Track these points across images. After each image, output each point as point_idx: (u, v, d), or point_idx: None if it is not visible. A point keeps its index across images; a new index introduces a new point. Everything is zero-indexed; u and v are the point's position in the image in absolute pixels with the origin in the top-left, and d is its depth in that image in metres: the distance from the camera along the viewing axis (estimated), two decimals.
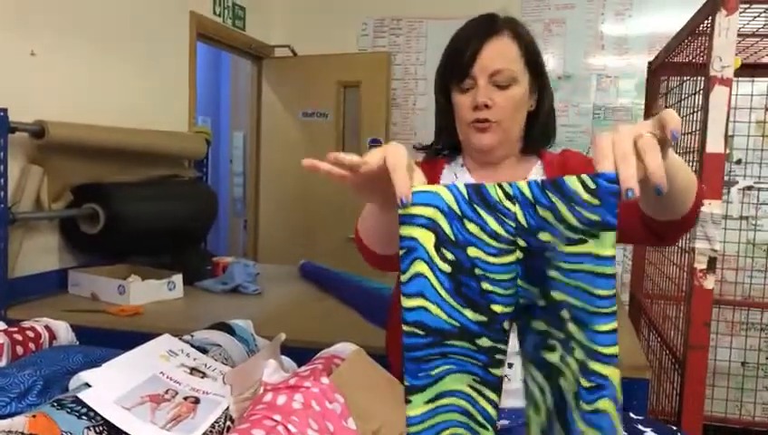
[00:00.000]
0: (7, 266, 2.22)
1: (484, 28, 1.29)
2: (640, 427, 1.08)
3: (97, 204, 2.56)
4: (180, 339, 1.25)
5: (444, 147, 1.44)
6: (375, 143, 4.01)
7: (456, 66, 1.30)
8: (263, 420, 0.93)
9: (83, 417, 0.89)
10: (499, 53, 1.27)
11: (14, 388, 1.03)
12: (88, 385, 0.98)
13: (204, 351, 1.23)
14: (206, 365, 1.18)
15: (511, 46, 1.28)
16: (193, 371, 1.14)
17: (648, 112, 2.97)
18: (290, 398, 0.99)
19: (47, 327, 1.50)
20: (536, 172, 1.38)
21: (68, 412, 0.89)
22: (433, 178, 1.37)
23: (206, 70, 4.96)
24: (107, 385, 0.99)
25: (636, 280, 2.99)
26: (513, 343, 0.75)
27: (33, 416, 0.85)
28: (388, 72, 4.02)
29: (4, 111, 2.15)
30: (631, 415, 1.13)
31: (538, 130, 1.36)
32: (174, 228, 2.96)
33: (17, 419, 0.84)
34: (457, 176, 1.40)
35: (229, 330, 1.36)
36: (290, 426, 0.91)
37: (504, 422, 1.17)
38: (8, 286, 2.23)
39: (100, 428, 0.89)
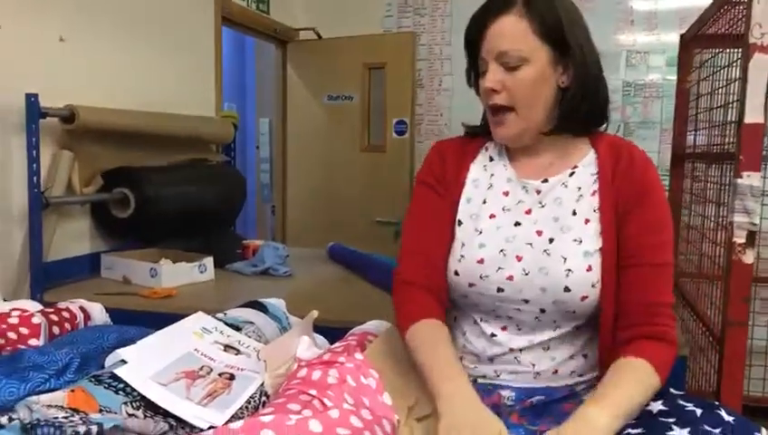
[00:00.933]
0: (42, 251, 2.25)
1: (492, 5, 1.19)
2: (681, 402, 1.06)
3: (127, 188, 2.58)
4: (213, 317, 1.25)
5: (482, 130, 1.33)
6: (400, 125, 3.98)
7: (467, 50, 1.26)
8: (298, 394, 0.93)
9: (120, 392, 0.90)
10: (503, 33, 1.17)
11: (53, 365, 1.04)
12: (124, 362, 0.99)
13: (237, 328, 1.24)
14: (239, 342, 1.18)
15: (518, 23, 1.16)
16: (227, 348, 1.14)
17: (680, 87, 2.90)
18: (325, 373, 0.98)
19: (82, 308, 1.51)
20: (587, 162, 1.22)
21: (105, 388, 0.90)
22: (463, 161, 1.29)
23: (231, 57, 4.96)
24: (143, 362, 0.99)
25: None
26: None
27: (72, 391, 0.86)
28: (413, 53, 3.98)
29: (35, 96, 2.17)
30: (672, 390, 1.11)
31: (570, 108, 1.19)
32: (203, 212, 2.97)
33: (57, 393, 0.84)
34: (493, 159, 1.29)
35: (262, 308, 1.36)
36: (325, 400, 0.90)
37: (541, 397, 1.16)
38: (43, 270, 2.26)
39: (137, 403, 0.89)
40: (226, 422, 0.90)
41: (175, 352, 1.06)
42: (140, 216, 2.58)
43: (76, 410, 0.81)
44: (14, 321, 1.31)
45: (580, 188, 1.20)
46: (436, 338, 1.13)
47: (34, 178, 2.19)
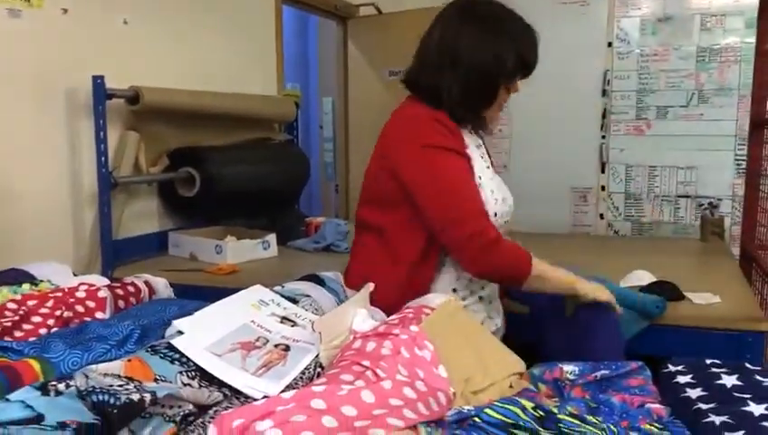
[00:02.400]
0: (111, 229, 2.32)
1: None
2: (758, 377, 1.00)
3: (192, 167, 2.63)
4: (271, 290, 1.25)
5: (466, 117, 1.56)
6: None
7: (528, 66, 1.56)
8: (351, 365, 0.91)
9: (176, 362, 0.90)
10: None
11: (115, 336, 1.06)
12: (181, 333, 1.00)
13: (294, 301, 1.23)
14: (296, 314, 1.17)
15: None
16: (283, 319, 1.14)
17: (760, 49, 2.74)
18: (379, 344, 0.96)
19: (147, 283, 1.54)
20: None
21: (161, 357, 0.90)
22: (458, 132, 1.53)
23: (294, 36, 4.98)
24: (199, 332, 1.00)
25: (747, 232, 2.80)
26: None
27: (129, 360, 0.87)
28: None
29: (101, 78, 2.23)
30: (748, 365, 1.05)
31: None
32: (267, 190, 3.01)
33: (114, 363, 0.86)
34: (471, 136, 1.61)
35: (319, 281, 1.36)
36: (378, 371, 0.89)
37: (605, 371, 1.11)
38: (113, 248, 2.33)
39: (193, 373, 0.90)
40: (280, 393, 0.90)
41: (231, 324, 1.06)
42: (205, 194, 2.63)
43: (131, 379, 0.82)
44: (81, 295, 1.34)
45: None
46: (546, 264, 1.49)
47: (102, 159, 2.25)
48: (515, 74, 1.54)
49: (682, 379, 1.02)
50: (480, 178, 1.52)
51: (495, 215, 1.50)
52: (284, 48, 3.52)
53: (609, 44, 3.83)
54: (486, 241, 1.41)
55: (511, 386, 1.08)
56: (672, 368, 1.07)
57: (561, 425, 0.85)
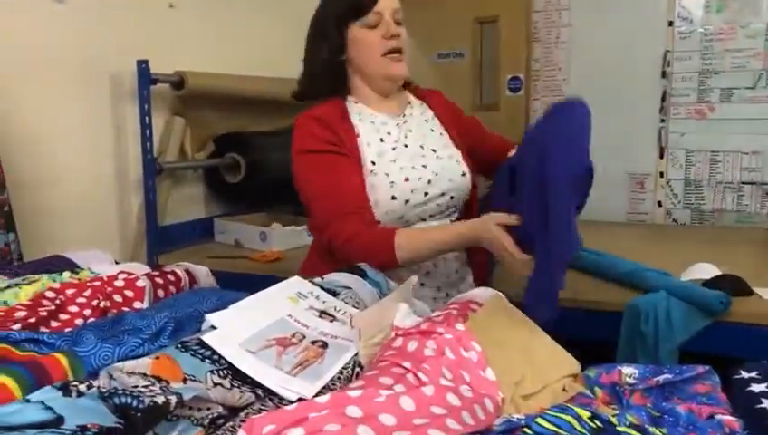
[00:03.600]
0: (157, 215, 2.31)
1: None
2: None
3: (238, 153, 2.61)
4: (310, 281, 1.20)
5: (326, 89, 1.62)
6: (515, 82, 3.80)
7: (363, 3, 1.52)
8: (391, 367, 0.85)
9: (207, 360, 0.86)
10: None
11: (148, 329, 1.02)
12: (214, 328, 0.95)
13: (334, 293, 1.18)
14: (335, 308, 1.12)
15: None
16: (322, 314, 1.09)
17: None
18: (421, 344, 0.90)
19: (188, 271, 1.51)
20: (411, 99, 1.70)
21: (191, 355, 0.86)
22: (343, 121, 1.55)
23: None
24: (233, 328, 0.95)
25: None
26: None
27: (157, 358, 0.82)
28: (529, 4, 3.77)
29: (146, 62, 2.21)
30: None
31: None
32: None
33: (142, 360, 0.81)
34: (360, 114, 1.60)
35: (361, 273, 1.30)
36: (420, 374, 0.82)
37: (668, 376, 1.02)
38: (159, 234, 2.32)
39: (224, 371, 0.85)
40: (315, 395, 0.85)
41: (267, 318, 1.01)
42: (251, 180, 2.61)
43: (158, 379, 0.77)
44: (120, 284, 1.31)
45: (421, 114, 1.69)
46: (415, 229, 1.52)
47: (147, 145, 2.24)
48: (357, 10, 1.54)
49: (757, 387, 0.93)
50: (374, 163, 1.53)
51: (394, 198, 1.50)
52: None
53: (670, 24, 3.66)
54: (339, 243, 1.46)
55: (564, 389, 1.01)
56: (745, 374, 0.97)
57: None
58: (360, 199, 1.49)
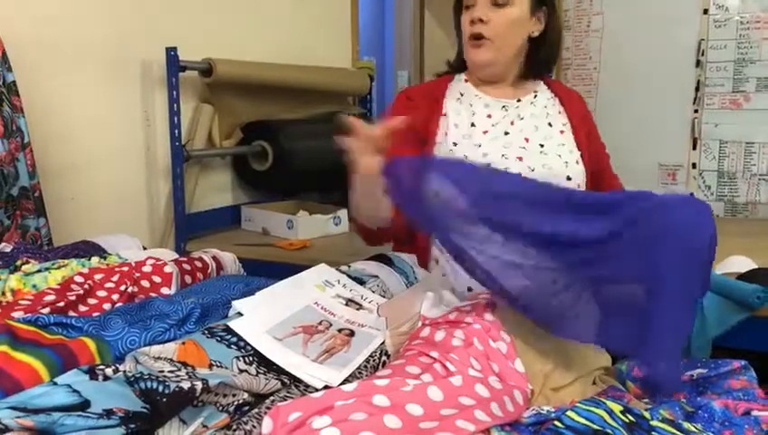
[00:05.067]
0: (185, 202, 2.32)
1: None
2: None
3: (265, 141, 2.60)
4: (337, 269, 1.19)
5: (456, 65, 1.60)
6: None
7: None
8: (418, 356, 0.84)
9: (233, 346, 0.85)
10: None
11: (175, 315, 1.02)
12: (241, 314, 0.95)
13: (361, 282, 1.17)
14: (362, 297, 1.11)
15: None
16: (349, 302, 1.08)
17: None
18: (449, 334, 0.89)
19: (215, 258, 1.51)
20: (542, 90, 1.57)
21: (217, 341, 0.85)
22: (434, 98, 1.52)
23: (370, 9, 4.90)
24: (259, 315, 0.95)
25: None
26: None
27: (183, 343, 0.82)
28: None
29: (174, 49, 2.21)
30: None
31: (540, 57, 1.54)
32: (340, 164, 2.95)
33: (168, 345, 0.81)
34: (462, 93, 1.55)
35: (387, 261, 1.29)
36: (448, 364, 0.81)
37: (702, 370, 1.00)
38: (187, 221, 2.33)
39: (250, 358, 0.84)
40: (342, 382, 0.84)
41: (294, 305, 1.01)
42: (278, 168, 2.60)
43: (184, 364, 0.77)
44: (147, 269, 1.32)
45: (546, 107, 1.54)
46: None
47: (176, 132, 2.25)
48: None
49: None
50: (455, 143, 1.46)
51: None
52: (360, 20, 3.44)
53: (705, 11, 3.57)
54: None
55: (595, 383, 0.99)
56: None
57: (654, 433, 0.75)
58: None
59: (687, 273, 0.86)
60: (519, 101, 1.53)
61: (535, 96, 1.55)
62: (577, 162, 1.48)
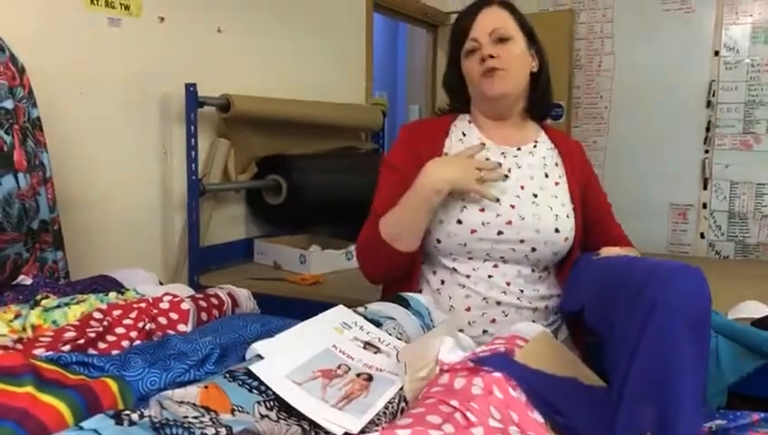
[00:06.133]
0: (199, 236, 2.34)
1: (477, 4, 1.55)
2: None
3: (279, 175, 2.63)
4: (354, 311, 1.20)
5: (457, 108, 1.65)
6: (556, 109, 3.78)
7: (460, 34, 1.54)
8: (438, 404, 0.84)
9: (254, 391, 0.86)
10: (492, 17, 1.51)
11: (194, 355, 1.03)
12: (260, 357, 0.95)
13: (378, 324, 1.17)
14: (380, 340, 1.11)
15: (502, 12, 1.53)
16: (366, 345, 1.08)
17: None
18: (469, 381, 0.89)
19: (230, 294, 1.52)
20: (543, 139, 1.61)
21: (239, 385, 0.86)
22: (436, 138, 1.57)
23: (383, 44, 4.97)
24: (279, 358, 0.95)
25: None
26: None
27: (206, 387, 0.83)
28: (572, 32, 3.77)
29: (194, 86, 2.25)
30: None
31: (540, 92, 1.59)
32: (352, 199, 2.96)
33: (190, 389, 0.82)
34: (465, 134, 1.59)
35: (404, 302, 1.29)
36: (468, 414, 0.81)
37: (721, 422, 0.99)
38: (200, 255, 2.35)
39: (271, 403, 0.85)
40: (361, 430, 0.84)
41: (313, 349, 1.01)
42: (292, 202, 2.63)
43: (207, 409, 0.78)
44: (165, 306, 1.33)
45: (544, 157, 1.58)
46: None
47: (193, 166, 2.27)
48: (458, 39, 1.56)
49: None
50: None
51: (459, 222, 1.45)
52: (374, 56, 3.49)
53: (716, 53, 3.61)
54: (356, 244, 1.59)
55: None
56: None
57: None
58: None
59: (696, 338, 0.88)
60: (519, 149, 1.56)
61: (535, 146, 1.59)
62: (567, 216, 1.51)
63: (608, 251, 1.45)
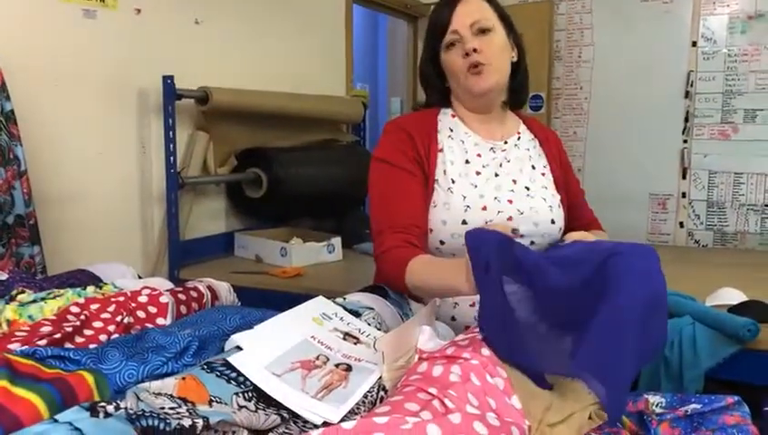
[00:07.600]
0: (179, 229, 2.32)
1: None
2: None
3: (260, 168, 2.62)
4: (333, 302, 1.20)
5: (435, 101, 1.62)
6: (536, 100, 3.79)
7: (438, 26, 1.51)
8: (416, 392, 0.84)
9: (232, 382, 0.85)
10: (471, 8, 1.48)
11: (173, 347, 1.02)
12: (239, 348, 0.95)
13: (357, 314, 1.17)
14: (359, 330, 1.11)
15: (481, 2, 1.50)
16: (346, 336, 1.08)
17: None
18: (447, 369, 0.89)
19: (210, 287, 1.51)
20: (524, 130, 1.63)
21: (217, 376, 0.86)
22: (429, 134, 1.53)
23: (364, 37, 4.95)
24: (258, 349, 0.95)
25: None
26: None
27: (183, 378, 0.82)
28: (551, 23, 3.78)
29: (171, 78, 2.23)
30: None
31: (519, 80, 1.58)
32: (333, 192, 2.97)
33: (168, 380, 0.81)
34: (452, 129, 1.56)
35: (382, 293, 1.30)
36: (446, 401, 0.82)
37: (696, 406, 1.01)
38: (181, 248, 2.33)
39: (250, 394, 0.84)
40: (341, 419, 0.84)
41: (291, 339, 1.01)
42: (272, 196, 2.62)
43: (185, 400, 0.77)
44: (143, 299, 1.32)
45: (528, 149, 1.60)
46: (435, 260, 1.37)
47: (171, 159, 2.26)
48: (436, 32, 1.53)
49: None
50: (454, 181, 1.48)
51: (465, 223, 1.43)
52: (354, 49, 3.48)
53: (694, 44, 3.64)
54: (376, 255, 1.46)
55: (590, 418, 0.99)
56: None
57: None
58: (412, 219, 1.45)
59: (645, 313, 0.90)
60: (506, 142, 1.57)
61: (519, 138, 1.60)
62: (559, 206, 1.54)
63: (572, 236, 1.45)
